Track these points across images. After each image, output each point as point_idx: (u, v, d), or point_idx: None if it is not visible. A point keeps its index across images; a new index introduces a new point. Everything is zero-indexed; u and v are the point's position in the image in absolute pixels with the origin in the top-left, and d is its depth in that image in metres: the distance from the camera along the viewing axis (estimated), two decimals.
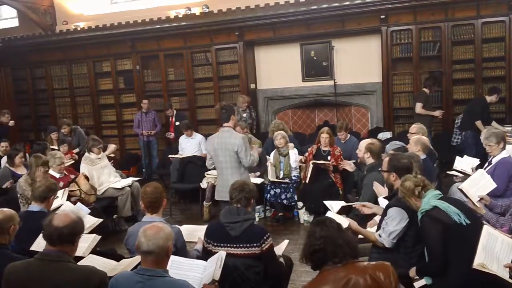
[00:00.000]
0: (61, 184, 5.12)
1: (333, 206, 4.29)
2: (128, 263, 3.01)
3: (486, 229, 2.73)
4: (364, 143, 4.62)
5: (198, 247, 3.31)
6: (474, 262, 2.58)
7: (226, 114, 4.45)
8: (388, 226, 3.12)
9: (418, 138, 4.73)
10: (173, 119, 8.30)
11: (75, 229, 2.47)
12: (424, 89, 7.07)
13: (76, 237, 2.50)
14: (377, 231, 3.28)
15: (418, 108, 6.94)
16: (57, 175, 5.32)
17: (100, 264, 3.01)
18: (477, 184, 3.67)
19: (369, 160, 4.44)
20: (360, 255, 2.38)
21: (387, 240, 3.12)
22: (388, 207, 3.21)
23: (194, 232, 3.45)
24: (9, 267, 2.47)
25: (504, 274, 2.56)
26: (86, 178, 5.43)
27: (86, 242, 3.31)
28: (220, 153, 4.40)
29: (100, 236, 3.54)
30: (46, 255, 2.43)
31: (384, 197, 3.44)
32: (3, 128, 7.78)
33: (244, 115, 7.85)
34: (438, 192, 2.96)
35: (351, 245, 2.22)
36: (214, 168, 4.69)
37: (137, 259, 2.87)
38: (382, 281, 2.13)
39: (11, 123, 7.94)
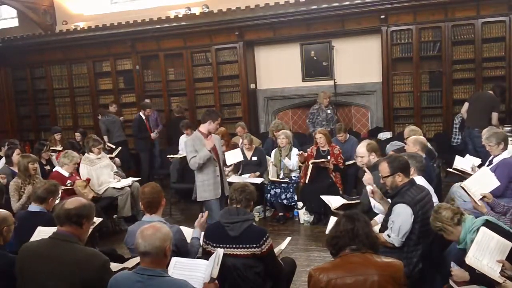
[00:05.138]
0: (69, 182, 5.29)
1: (332, 202, 4.27)
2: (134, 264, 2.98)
3: (483, 229, 2.73)
4: (361, 148, 4.44)
5: (197, 234, 3.32)
6: (466, 256, 2.59)
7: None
8: (395, 224, 3.11)
9: (415, 139, 4.63)
10: (147, 120, 8.01)
11: (82, 211, 2.60)
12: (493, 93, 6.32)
13: (84, 219, 2.61)
14: (381, 230, 3.27)
15: (495, 118, 6.20)
16: (66, 174, 5.38)
17: None
18: (479, 182, 3.62)
19: (374, 160, 4.37)
20: (379, 250, 2.44)
21: (397, 239, 3.11)
22: (393, 204, 3.21)
23: (189, 234, 3.43)
24: (22, 247, 2.63)
25: (491, 272, 2.53)
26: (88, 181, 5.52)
27: None
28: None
29: (98, 219, 3.64)
30: (57, 235, 2.58)
31: (388, 196, 3.43)
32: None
33: (329, 111, 7.37)
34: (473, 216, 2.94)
35: (371, 238, 2.31)
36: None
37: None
38: (394, 278, 2.17)
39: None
